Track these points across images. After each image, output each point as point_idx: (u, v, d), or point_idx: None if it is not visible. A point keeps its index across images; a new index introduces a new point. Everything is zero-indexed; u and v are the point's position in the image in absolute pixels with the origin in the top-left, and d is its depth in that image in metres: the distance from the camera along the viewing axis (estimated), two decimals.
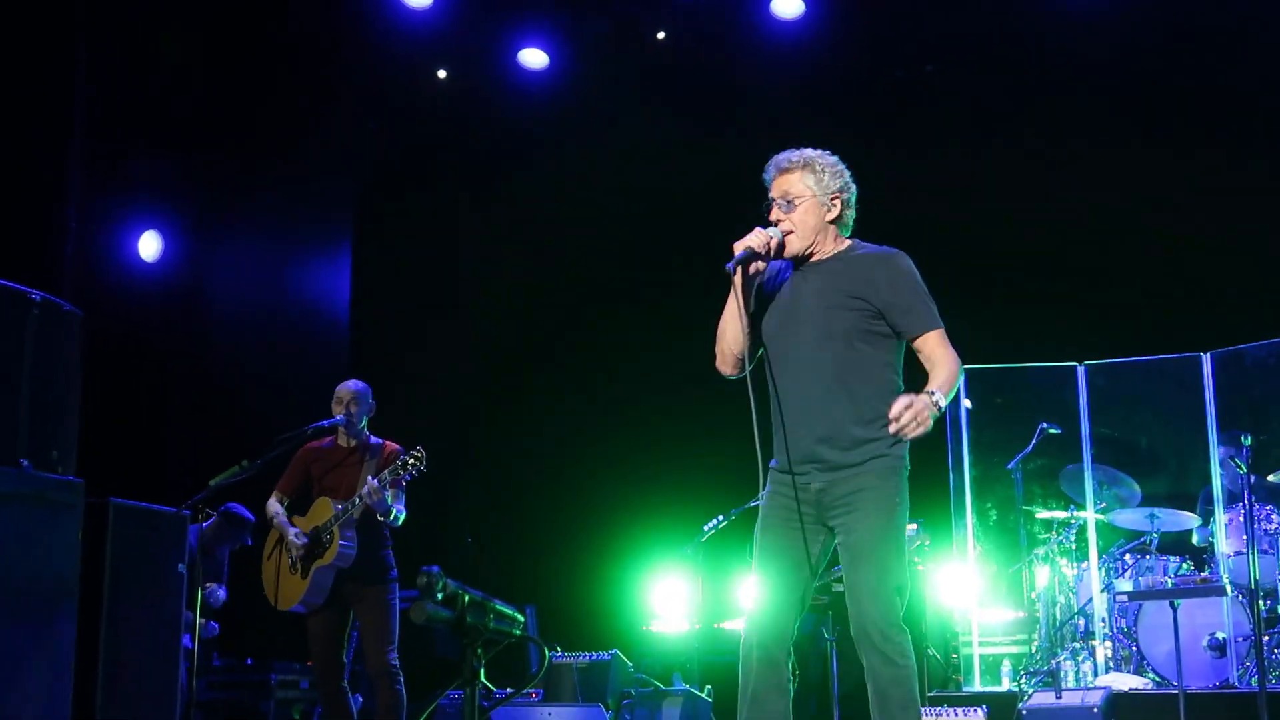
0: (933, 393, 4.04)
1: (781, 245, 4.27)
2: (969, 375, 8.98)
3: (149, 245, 9.67)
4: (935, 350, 4.21)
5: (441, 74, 10.68)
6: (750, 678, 4.15)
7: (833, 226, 4.33)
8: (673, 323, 10.35)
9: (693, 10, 10.05)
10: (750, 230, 4.26)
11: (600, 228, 10.70)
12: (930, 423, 3.98)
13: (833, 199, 4.30)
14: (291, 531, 6.40)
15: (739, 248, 4.20)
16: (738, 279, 4.21)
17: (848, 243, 4.38)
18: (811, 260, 4.33)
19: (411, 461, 6.18)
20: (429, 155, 11.05)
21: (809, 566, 4.19)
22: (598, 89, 10.54)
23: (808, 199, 4.27)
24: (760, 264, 4.30)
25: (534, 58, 10.41)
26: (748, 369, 4.24)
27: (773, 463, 4.34)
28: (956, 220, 9.50)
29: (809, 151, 4.34)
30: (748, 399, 4.15)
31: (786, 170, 4.31)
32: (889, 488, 4.14)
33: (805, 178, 4.28)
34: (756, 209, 4.37)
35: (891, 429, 3.97)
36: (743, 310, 4.25)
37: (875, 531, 4.10)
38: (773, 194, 4.32)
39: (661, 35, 10.22)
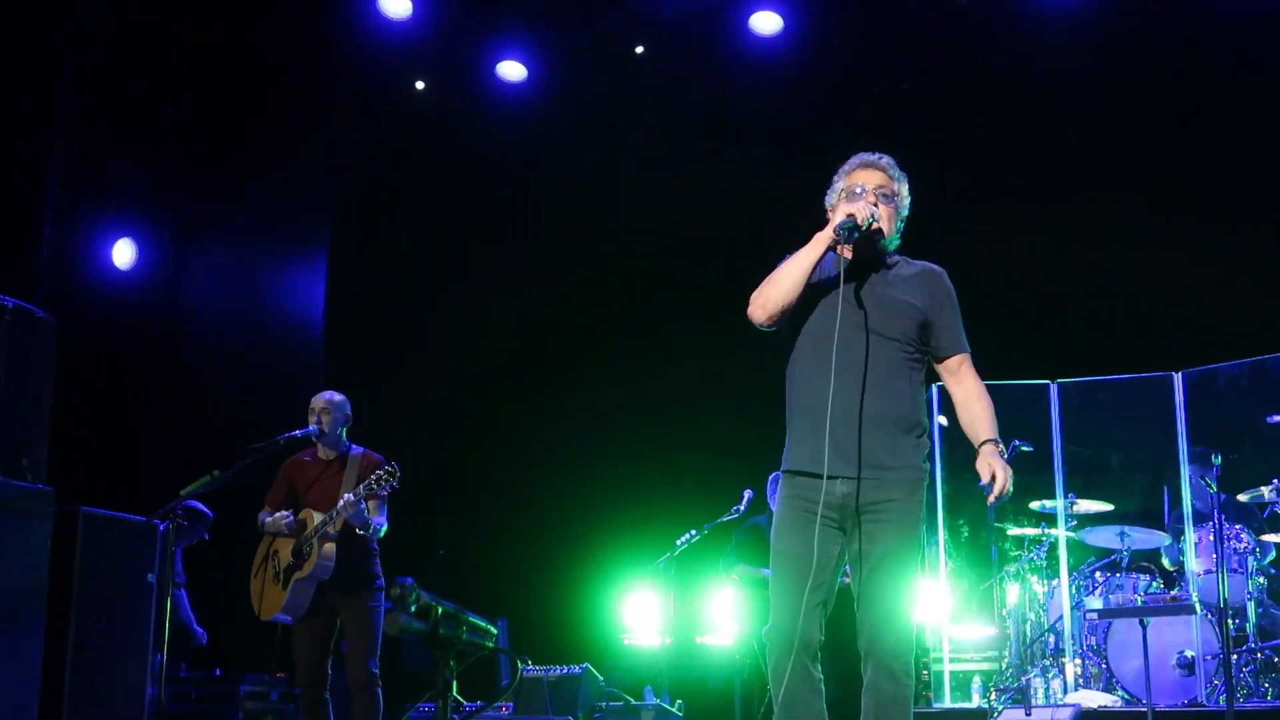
0: (995, 441, 4.24)
1: (876, 231, 4.20)
2: (940, 392, 9.00)
3: (123, 253, 9.63)
4: (968, 375, 4.35)
5: (420, 85, 10.67)
6: (782, 683, 3.99)
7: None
8: (649, 337, 10.37)
9: (672, 25, 10.07)
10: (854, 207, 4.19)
11: (577, 241, 10.70)
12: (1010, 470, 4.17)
13: (903, 219, 4.36)
14: (283, 518, 6.40)
15: (844, 212, 4.13)
16: (832, 234, 4.12)
17: (893, 255, 4.38)
18: (864, 265, 4.27)
19: (385, 477, 6.19)
20: (407, 166, 11.03)
21: (832, 569, 4.09)
22: (576, 102, 10.55)
23: (895, 204, 4.29)
24: (848, 245, 4.19)
25: (513, 70, 10.42)
26: (774, 328, 4.22)
27: (778, 475, 4.27)
28: (930, 237, 9.51)
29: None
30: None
31: (883, 169, 4.31)
32: (915, 502, 4.13)
33: (896, 185, 4.32)
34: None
35: (992, 500, 4.14)
36: (810, 269, 4.15)
37: (902, 546, 4.06)
38: (862, 182, 4.27)
39: (640, 49, 10.24)
